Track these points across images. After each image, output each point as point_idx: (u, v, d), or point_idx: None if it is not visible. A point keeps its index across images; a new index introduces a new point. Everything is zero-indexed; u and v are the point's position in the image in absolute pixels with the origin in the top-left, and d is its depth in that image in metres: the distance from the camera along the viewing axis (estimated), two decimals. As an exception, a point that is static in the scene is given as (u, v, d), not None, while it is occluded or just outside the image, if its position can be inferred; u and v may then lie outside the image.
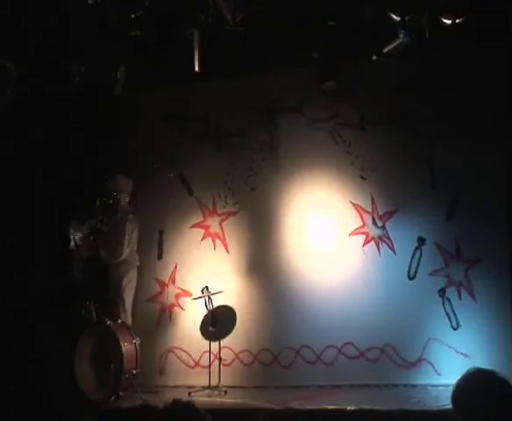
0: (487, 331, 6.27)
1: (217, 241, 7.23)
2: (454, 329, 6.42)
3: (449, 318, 6.45)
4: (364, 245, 6.79)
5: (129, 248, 7.02)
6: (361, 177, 6.82)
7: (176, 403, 2.35)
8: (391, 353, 6.55)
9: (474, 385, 2.29)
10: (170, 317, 7.24)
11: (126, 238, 6.96)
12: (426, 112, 6.57)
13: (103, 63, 6.20)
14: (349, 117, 6.89)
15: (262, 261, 7.05)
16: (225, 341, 6.76)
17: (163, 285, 7.31)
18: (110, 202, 6.90)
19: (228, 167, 7.20)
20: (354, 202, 6.85)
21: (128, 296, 7.02)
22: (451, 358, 6.30)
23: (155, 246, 7.36)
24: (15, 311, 6.69)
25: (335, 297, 6.72)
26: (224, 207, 7.24)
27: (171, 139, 7.36)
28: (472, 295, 6.44)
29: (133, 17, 5.47)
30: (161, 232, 7.35)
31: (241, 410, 5.87)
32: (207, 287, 6.62)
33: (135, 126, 7.44)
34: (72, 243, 6.75)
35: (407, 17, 5.41)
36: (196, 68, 5.94)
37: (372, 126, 6.80)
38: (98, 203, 6.88)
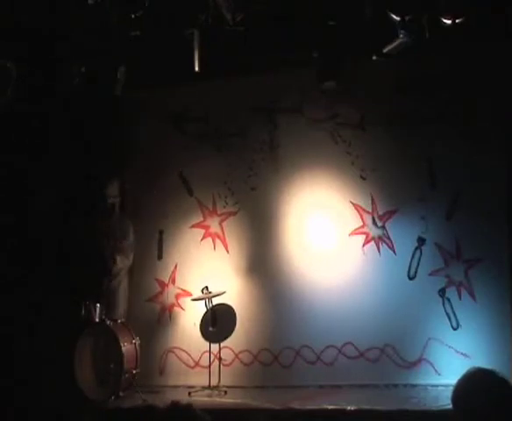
0: (487, 331, 6.27)
1: (217, 241, 7.23)
2: (454, 329, 6.43)
3: (449, 318, 6.45)
4: (364, 245, 6.79)
5: None
6: (361, 177, 6.82)
7: (175, 405, 2.34)
8: (391, 353, 6.55)
9: (474, 385, 2.29)
10: (170, 317, 7.24)
11: (132, 241, 7.01)
12: (426, 112, 6.58)
13: (103, 63, 6.20)
14: (349, 117, 6.90)
15: (262, 261, 7.05)
16: (225, 341, 6.76)
17: (163, 285, 7.31)
18: (108, 209, 6.92)
19: (228, 167, 7.20)
20: (354, 202, 6.85)
21: (125, 297, 7.06)
22: (451, 358, 6.30)
23: (155, 246, 7.36)
24: (15, 311, 6.70)
25: (335, 297, 6.72)
26: (224, 207, 7.23)
27: (171, 139, 7.36)
28: (472, 295, 6.44)
29: (133, 17, 5.47)
30: (161, 232, 7.35)
31: (241, 410, 5.87)
32: (207, 287, 6.62)
33: (135, 126, 7.43)
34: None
35: (407, 17, 5.40)
36: (196, 68, 5.94)
37: (372, 126, 6.81)
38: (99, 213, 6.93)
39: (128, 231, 7.05)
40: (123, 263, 7.03)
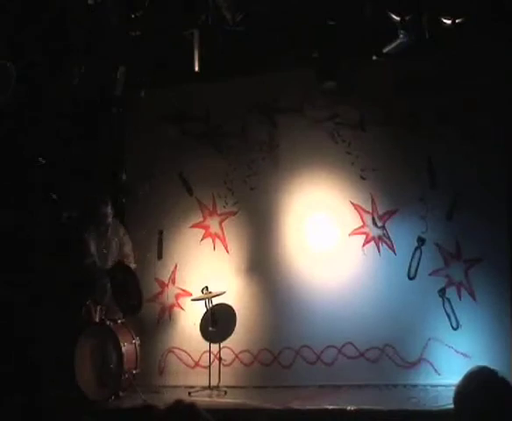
0: (487, 331, 6.27)
1: (217, 241, 7.23)
2: (454, 329, 6.42)
3: (449, 318, 6.44)
4: (364, 245, 6.79)
5: None
6: (361, 177, 6.81)
7: (179, 403, 2.33)
8: (391, 353, 6.55)
9: (476, 384, 2.28)
10: (170, 317, 7.24)
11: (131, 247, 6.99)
12: (426, 112, 6.57)
13: (103, 63, 6.20)
14: (349, 117, 6.88)
15: (262, 261, 7.05)
16: (225, 341, 6.76)
17: (163, 285, 7.31)
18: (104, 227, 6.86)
19: (228, 167, 7.19)
20: (354, 202, 6.84)
21: None
22: (451, 358, 6.30)
23: (155, 246, 7.35)
24: (15, 311, 6.70)
25: (335, 297, 6.72)
26: (224, 207, 7.23)
27: (171, 139, 7.36)
28: (472, 295, 6.44)
29: (133, 17, 5.47)
30: (161, 232, 7.34)
31: (241, 410, 5.87)
32: (207, 287, 6.63)
33: (135, 126, 7.44)
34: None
35: (407, 17, 5.41)
36: (196, 68, 5.94)
37: (372, 126, 6.79)
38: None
39: (125, 240, 6.97)
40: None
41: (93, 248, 6.75)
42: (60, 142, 6.98)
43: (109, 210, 6.75)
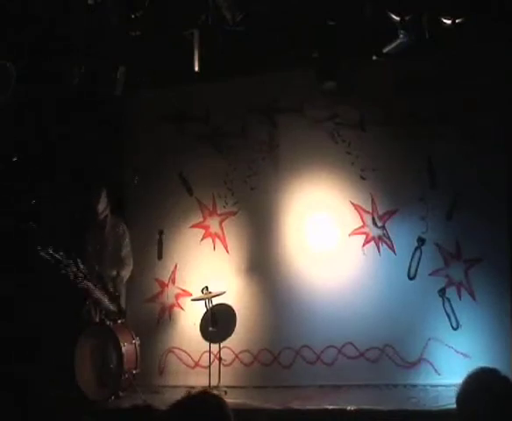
0: (487, 331, 6.27)
1: (217, 241, 7.23)
2: (454, 329, 6.43)
3: (449, 318, 6.45)
4: (364, 245, 6.79)
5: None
6: (361, 177, 6.82)
7: (206, 393, 2.30)
8: (391, 354, 6.55)
9: (478, 385, 2.29)
10: (170, 317, 7.24)
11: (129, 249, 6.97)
12: (426, 112, 6.57)
13: (103, 63, 6.21)
14: (349, 117, 6.89)
15: (262, 261, 7.05)
16: (225, 341, 6.77)
17: (163, 285, 7.31)
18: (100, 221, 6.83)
19: (228, 167, 7.19)
20: (354, 202, 6.85)
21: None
22: (451, 358, 6.31)
23: (155, 246, 7.35)
24: (15, 311, 6.70)
25: (335, 297, 6.72)
26: (224, 207, 7.23)
27: (171, 139, 7.36)
28: (472, 295, 6.44)
29: (133, 18, 5.47)
30: (161, 232, 7.34)
31: (241, 410, 5.85)
32: (207, 287, 6.62)
33: (135, 126, 7.43)
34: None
35: (407, 17, 5.41)
36: (196, 68, 5.94)
37: (372, 126, 6.80)
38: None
39: (123, 240, 6.95)
40: (125, 271, 6.93)
41: (90, 248, 6.75)
42: (60, 142, 6.98)
43: (100, 207, 6.73)
